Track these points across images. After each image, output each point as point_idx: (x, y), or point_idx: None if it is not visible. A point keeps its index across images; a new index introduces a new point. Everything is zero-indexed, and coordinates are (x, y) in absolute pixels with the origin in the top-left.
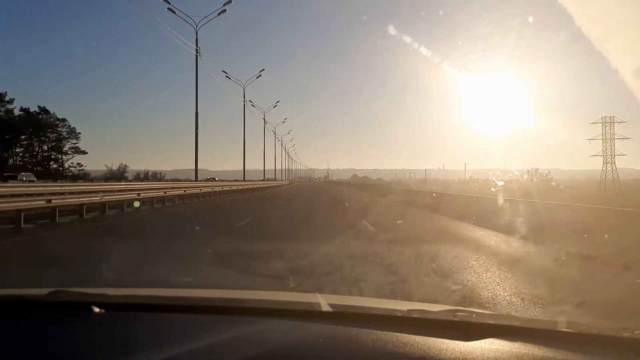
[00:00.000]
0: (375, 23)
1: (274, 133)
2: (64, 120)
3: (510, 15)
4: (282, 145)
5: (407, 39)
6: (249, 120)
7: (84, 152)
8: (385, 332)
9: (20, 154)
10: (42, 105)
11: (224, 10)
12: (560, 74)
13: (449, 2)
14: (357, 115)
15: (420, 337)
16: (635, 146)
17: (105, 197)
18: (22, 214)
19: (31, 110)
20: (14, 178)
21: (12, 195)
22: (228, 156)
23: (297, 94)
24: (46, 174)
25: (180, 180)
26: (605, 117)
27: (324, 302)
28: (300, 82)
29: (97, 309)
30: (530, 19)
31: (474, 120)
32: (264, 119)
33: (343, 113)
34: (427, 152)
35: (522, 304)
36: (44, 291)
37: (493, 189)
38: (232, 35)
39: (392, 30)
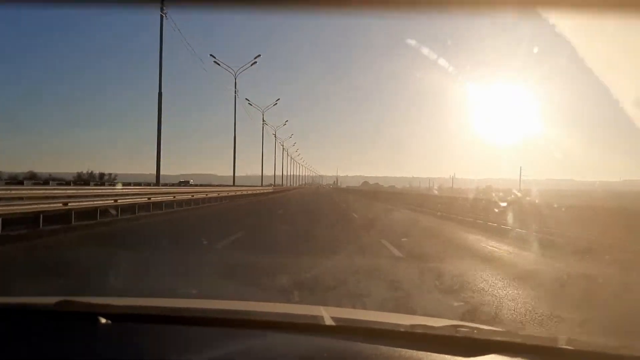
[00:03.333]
0: (388, 36)
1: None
2: None
3: (515, 45)
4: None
5: (425, 51)
6: (251, 125)
7: None
8: (388, 347)
9: None
10: None
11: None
12: (564, 100)
13: (457, 30)
14: (368, 123)
15: (423, 352)
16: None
17: None
18: None
19: None
20: None
21: None
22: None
23: (310, 102)
24: None
25: None
26: None
27: (328, 315)
28: (313, 90)
29: (103, 320)
30: (535, 50)
31: (485, 132)
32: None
33: (354, 121)
34: (438, 160)
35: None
36: (51, 300)
37: None
38: (247, 45)
39: (409, 41)
